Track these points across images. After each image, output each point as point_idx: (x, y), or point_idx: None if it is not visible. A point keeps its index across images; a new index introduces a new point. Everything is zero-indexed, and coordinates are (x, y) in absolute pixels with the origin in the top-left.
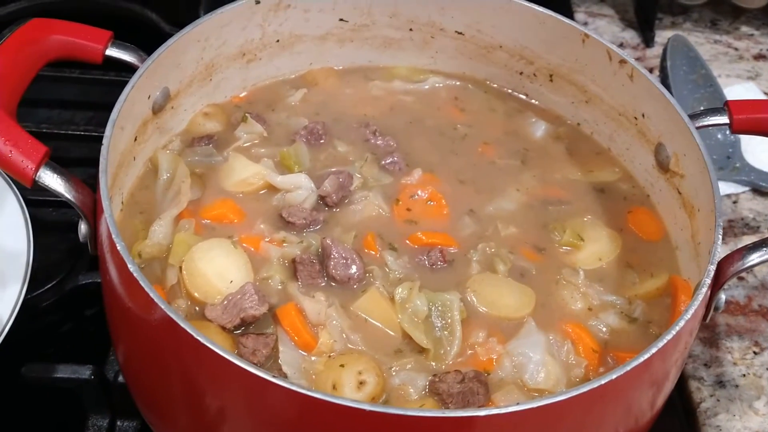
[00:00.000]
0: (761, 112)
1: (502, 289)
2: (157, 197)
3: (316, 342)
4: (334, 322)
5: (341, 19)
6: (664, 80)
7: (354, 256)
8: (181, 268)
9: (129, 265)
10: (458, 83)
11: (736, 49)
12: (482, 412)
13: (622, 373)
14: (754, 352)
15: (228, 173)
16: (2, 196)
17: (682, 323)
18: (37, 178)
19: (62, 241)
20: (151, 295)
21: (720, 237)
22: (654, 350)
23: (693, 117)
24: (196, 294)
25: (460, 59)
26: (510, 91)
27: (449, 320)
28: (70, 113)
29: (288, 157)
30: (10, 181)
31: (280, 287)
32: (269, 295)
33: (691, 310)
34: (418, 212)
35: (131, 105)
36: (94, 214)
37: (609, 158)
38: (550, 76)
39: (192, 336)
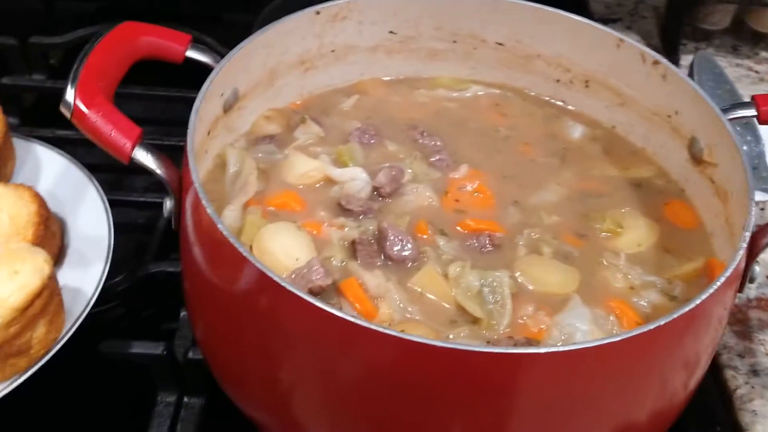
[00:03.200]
0: None
1: (547, 268)
2: (227, 188)
3: (377, 312)
4: (394, 295)
5: (391, 32)
6: None
7: (409, 238)
8: (251, 247)
9: (218, 225)
10: (498, 91)
11: (756, 72)
12: (543, 350)
13: (672, 318)
14: None
15: (289, 168)
16: (83, 188)
17: (722, 279)
18: (133, 155)
19: (130, 240)
20: (241, 251)
21: (753, 210)
22: (698, 301)
23: (723, 111)
24: None
25: (500, 69)
26: (547, 98)
27: (500, 294)
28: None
29: (343, 154)
30: (90, 175)
31: (341, 265)
32: (332, 272)
33: (729, 270)
34: (465, 203)
35: (209, 99)
36: (179, 190)
37: (644, 157)
38: (586, 82)
39: (286, 288)
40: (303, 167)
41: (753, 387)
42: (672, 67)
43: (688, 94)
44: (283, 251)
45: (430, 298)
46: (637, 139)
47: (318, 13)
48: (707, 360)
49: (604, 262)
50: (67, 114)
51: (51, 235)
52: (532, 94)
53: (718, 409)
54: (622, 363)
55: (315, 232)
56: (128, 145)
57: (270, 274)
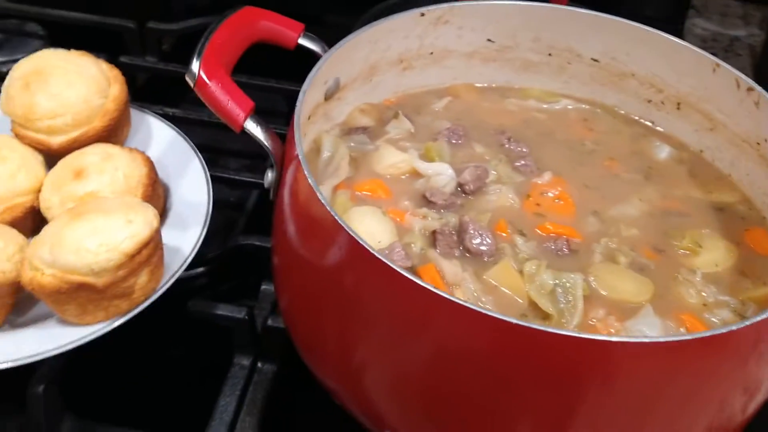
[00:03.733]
0: None
1: (622, 276)
2: (319, 171)
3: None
4: (469, 284)
5: (489, 40)
6: None
7: (488, 233)
8: None
9: (318, 194)
10: (587, 107)
11: None
12: (619, 339)
13: (752, 322)
14: None
15: (378, 158)
16: (188, 159)
17: None
18: (244, 125)
19: (220, 215)
20: (338, 219)
21: None
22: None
23: None
24: None
25: (592, 85)
26: (636, 117)
27: (572, 295)
28: None
29: (431, 150)
30: (195, 148)
31: (420, 252)
32: (411, 257)
33: None
34: (546, 207)
35: (314, 85)
36: (281, 163)
37: (729, 183)
38: (678, 104)
39: (377, 258)
40: (392, 158)
41: None
42: (766, 94)
43: None
44: (367, 233)
45: (503, 291)
46: (723, 164)
47: (422, 14)
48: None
49: (680, 278)
50: (191, 83)
51: (157, 196)
52: (622, 112)
53: None
54: (690, 365)
55: (398, 219)
56: (242, 115)
57: (362, 242)
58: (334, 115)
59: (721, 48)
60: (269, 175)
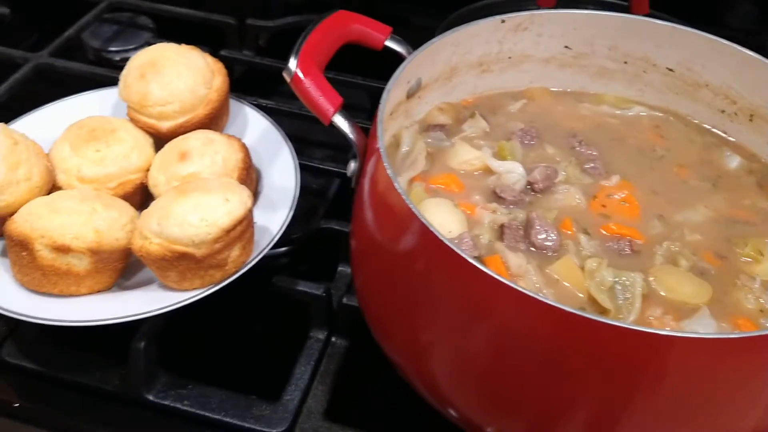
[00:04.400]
0: None
1: (681, 278)
2: (397, 163)
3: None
4: (532, 276)
5: (566, 46)
6: None
7: (553, 229)
8: None
9: (395, 183)
10: (660, 115)
11: None
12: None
13: None
14: None
15: (453, 155)
16: (280, 147)
17: None
18: (333, 119)
19: (304, 201)
20: (412, 207)
21: None
22: None
23: None
24: None
25: (667, 94)
26: (709, 127)
27: (631, 292)
28: None
29: (504, 149)
30: (287, 138)
31: (488, 243)
32: (479, 248)
33: None
34: (611, 209)
35: (397, 84)
36: (364, 154)
37: None
38: (751, 116)
39: (446, 245)
40: (466, 155)
41: None
42: None
43: None
44: (439, 223)
45: (564, 285)
46: None
47: (503, 21)
48: None
49: (738, 283)
50: (288, 78)
51: (250, 180)
52: (695, 121)
53: None
54: (739, 363)
55: (469, 212)
56: (331, 110)
57: (434, 230)
58: (414, 113)
59: None
60: (352, 165)
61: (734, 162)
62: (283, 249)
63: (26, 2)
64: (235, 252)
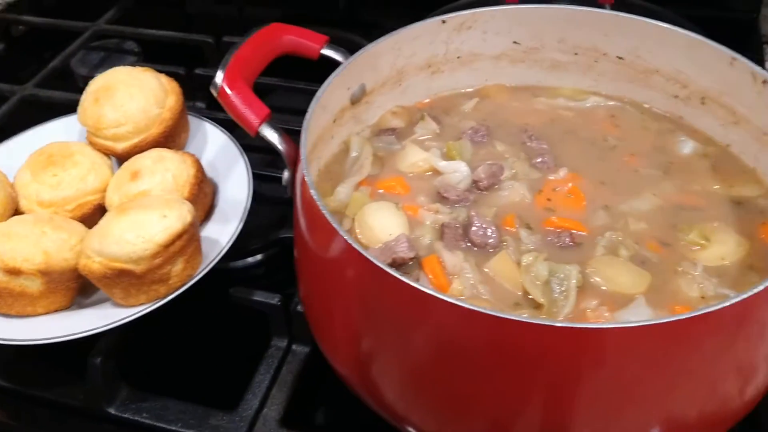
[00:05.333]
0: None
1: (620, 268)
2: (345, 169)
3: (449, 287)
4: (467, 274)
5: (515, 42)
6: None
7: (492, 227)
8: (354, 219)
9: (311, 190)
10: (617, 104)
11: None
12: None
13: (719, 307)
14: None
15: (403, 157)
16: (236, 161)
17: None
18: (259, 130)
19: (275, 211)
20: (331, 221)
21: None
22: (746, 295)
23: None
24: (362, 240)
25: (621, 82)
26: (665, 113)
27: (566, 285)
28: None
29: (452, 149)
30: (242, 151)
31: (428, 243)
32: (419, 249)
33: None
34: (557, 202)
35: (332, 91)
36: (295, 163)
37: (754, 177)
38: (702, 99)
39: (363, 256)
40: (414, 157)
41: None
42: None
43: None
44: (380, 226)
45: (500, 281)
46: (748, 158)
47: (444, 21)
48: None
49: (680, 270)
50: (214, 93)
51: (204, 195)
52: (653, 108)
53: None
54: (672, 347)
55: (412, 213)
56: (256, 121)
57: (351, 242)
58: (365, 118)
59: None
60: (285, 175)
61: (688, 147)
62: (253, 260)
63: (22, 36)
64: (178, 266)
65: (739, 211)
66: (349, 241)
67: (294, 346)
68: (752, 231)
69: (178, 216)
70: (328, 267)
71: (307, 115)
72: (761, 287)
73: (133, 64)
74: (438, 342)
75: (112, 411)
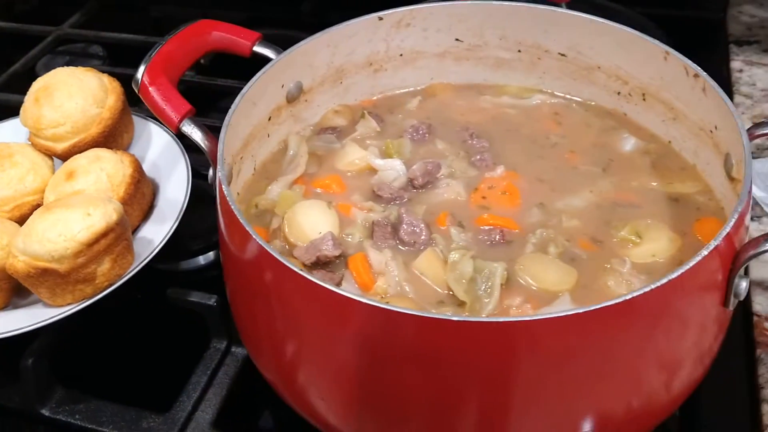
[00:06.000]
0: None
1: (547, 266)
2: (282, 168)
3: (373, 285)
4: (393, 272)
5: (457, 39)
6: None
7: (422, 225)
8: (284, 217)
9: (224, 188)
10: (562, 101)
11: None
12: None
13: (623, 300)
14: None
15: (342, 156)
16: (178, 161)
17: (678, 273)
18: (180, 126)
19: None
20: (234, 210)
21: (733, 221)
22: (654, 286)
23: (754, 126)
24: (291, 238)
25: (565, 80)
26: (610, 110)
27: (491, 283)
28: None
29: (390, 147)
30: (184, 151)
31: (358, 242)
32: (348, 248)
33: (687, 266)
34: (492, 200)
35: (263, 87)
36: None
37: (693, 173)
38: (643, 95)
39: (276, 258)
40: (352, 156)
41: None
42: (710, 80)
43: (722, 109)
44: (309, 224)
45: (425, 279)
46: (689, 155)
47: (381, 18)
48: (696, 367)
49: (608, 267)
50: (136, 88)
51: (141, 195)
52: (600, 105)
53: None
54: (589, 338)
55: (345, 212)
56: (177, 117)
57: (264, 245)
58: (306, 116)
59: (766, 35)
60: (210, 172)
61: (629, 144)
62: (205, 261)
63: None
64: (104, 266)
65: (675, 207)
66: (261, 244)
67: (233, 348)
68: (686, 228)
69: (102, 214)
70: (247, 269)
71: (230, 111)
72: (675, 275)
73: (97, 68)
74: (358, 344)
75: (45, 412)
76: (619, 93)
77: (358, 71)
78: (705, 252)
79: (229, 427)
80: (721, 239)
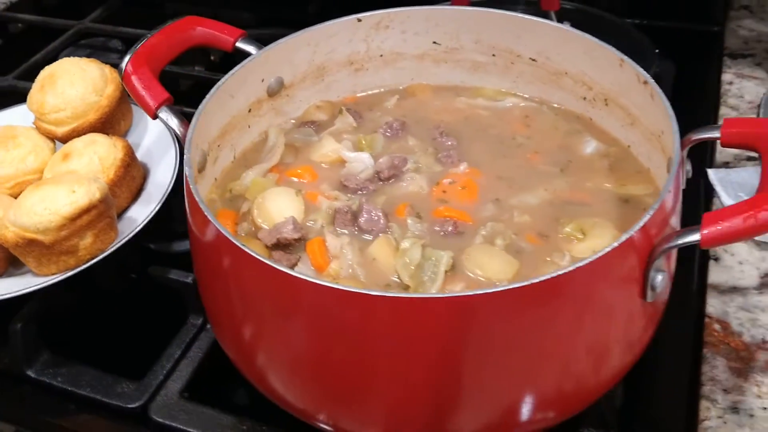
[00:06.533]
0: (749, 128)
1: (491, 257)
2: (261, 156)
3: (327, 267)
4: (348, 256)
5: (434, 42)
6: None
7: (380, 214)
8: (254, 202)
9: (186, 169)
10: (534, 105)
11: None
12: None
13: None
14: None
15: (317, 148)
16: (169, 147)
17: (588, 261)
18: (157, 113)
19: None
20: (194, 192)
21: (651, 213)
22: (563, 272)
23: (692, 132)
24: (258, 221)
25: (537, 84)
26: (579, 115)
27: (436, 269)
28: None
29: (363, 141)
30: (175, 138)
31: (319, 227)
32: (310, 232)
33: (599, 254)
34: (451, 194)
35: (242, 80)
36: None
37: (647, 177)
38: (605, 100)
39: (233, 243)
40: (326, 148)
41: (725, 422)
42: (656, 87)
43: (666, 114)
44: (276, 210)
45: (377, 264)
46: (644, 159)
47: (360, 20)
48: (624, 355)
49: (548, 260)
50: (120, 76)
51: (131, 177)
52: (570, 110)
53: None
54: (514, 317)
55: (312, 199)
56: (154, 105)
57: (220, 228)
58: (288, 110)
59: (763, 49)
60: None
61: (590, 147)
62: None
63: (20, 33)
64: (86, 240)
65: (624, 208)
66: (218, 226)
67: (209, 325)
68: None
69: (86, 192)
70: (207, 251)
71: (204, 101)
72: (589, 259)
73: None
74: (307, 322)
75: (30, 374)
76: (585, 98)
77: (339, 69)
78: (616, 244)
79: (196, 397)
80: (634, 231)
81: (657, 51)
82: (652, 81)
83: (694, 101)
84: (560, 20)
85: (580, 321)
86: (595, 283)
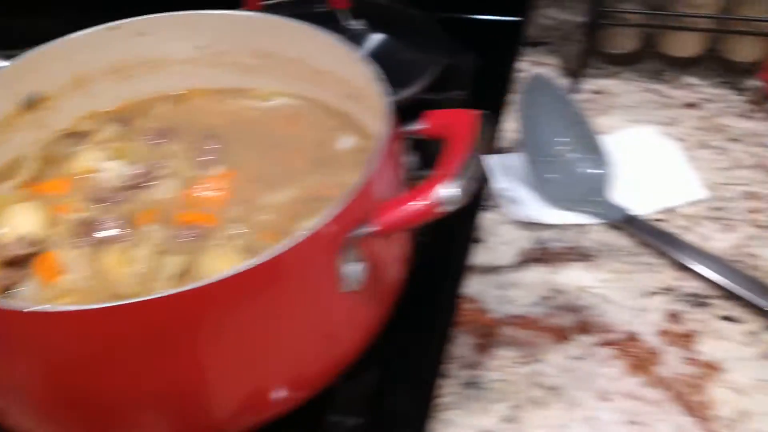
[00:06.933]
0: (445, 119)
1: (223, 257)
2: (13, 173)
3: (56, 280)
4: (78, 269)
5: (198, 47)
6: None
7: (118, 223)
8: None
9: None
10: (303, 103)
11: (670, 97)
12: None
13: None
14: (520, 363)
15: (74, 160)
16: None
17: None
18: None
19: None
20: None
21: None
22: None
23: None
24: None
25: (303, 83)
26: (342, 111)
27: (164, 275)
28: None
29: (121, 150)
30: None
31: (58, 241)
32: (49, 246)
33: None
34: (201, 199)
35: None
36: None
37: None
38: (357, 97)
39: None
40: (84, 160)
41: (459, 397)
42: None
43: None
44: (16, 224)
45: (109, 276)
46: None
47: (113, 29)
48: (340, 343)
49: None
50: None
51: None
52: (337, 108)
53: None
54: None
55: (58, 212)
56: None
57: None
58: (50, 122)
59: (559, 36)
60: None
61: (348, 143)
62: None
63: None
64: None
65: None
66: None
67: None
68: None
69: None
70: None
71: None
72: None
73: None
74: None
75: None
76: (349, 96)
77: (104, 78)
78: (307, 233)
79: None
80: (324, 222)
81: (455, 42)
82: (368, 70)
83: (496, 92)
84: (357, 17)
85: (279, 308)
86: (281, 279)
